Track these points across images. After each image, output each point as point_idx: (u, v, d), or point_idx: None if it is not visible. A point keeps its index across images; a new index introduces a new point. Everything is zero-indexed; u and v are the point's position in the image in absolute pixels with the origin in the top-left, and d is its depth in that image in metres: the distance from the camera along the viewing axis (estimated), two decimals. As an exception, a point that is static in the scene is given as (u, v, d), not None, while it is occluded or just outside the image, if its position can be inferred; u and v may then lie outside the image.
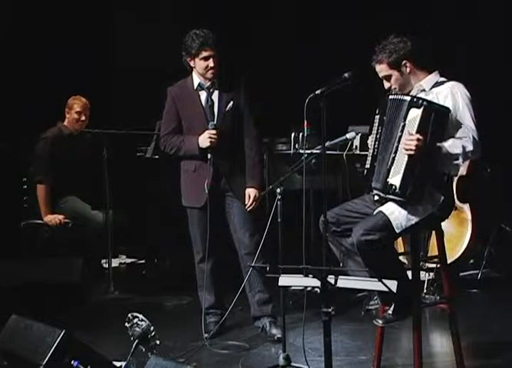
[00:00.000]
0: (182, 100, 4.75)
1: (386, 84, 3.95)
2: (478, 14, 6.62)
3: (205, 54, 4.62)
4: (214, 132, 4.61)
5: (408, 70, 3.90)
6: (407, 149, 3.67)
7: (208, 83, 4.71)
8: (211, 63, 4.62)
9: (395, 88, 3.93)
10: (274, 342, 4.61)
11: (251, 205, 4.67)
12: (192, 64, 4.68)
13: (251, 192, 4.67)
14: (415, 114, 3.70)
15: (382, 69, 3.92)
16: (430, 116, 3.68)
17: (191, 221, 4.83)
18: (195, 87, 4.73)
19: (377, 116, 3.91)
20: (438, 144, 3.72)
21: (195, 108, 4.72)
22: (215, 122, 4.66)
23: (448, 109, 3.75)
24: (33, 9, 7.04)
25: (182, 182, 4.84)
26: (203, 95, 4.73)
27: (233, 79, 4.75)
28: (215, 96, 4.72)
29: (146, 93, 7.24)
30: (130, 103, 7.27)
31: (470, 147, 3.74)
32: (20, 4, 7.01)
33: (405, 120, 3.74)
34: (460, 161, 3.77)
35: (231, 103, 4.67)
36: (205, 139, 4.61)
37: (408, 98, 3.78)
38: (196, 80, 4.73)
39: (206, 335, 4.69)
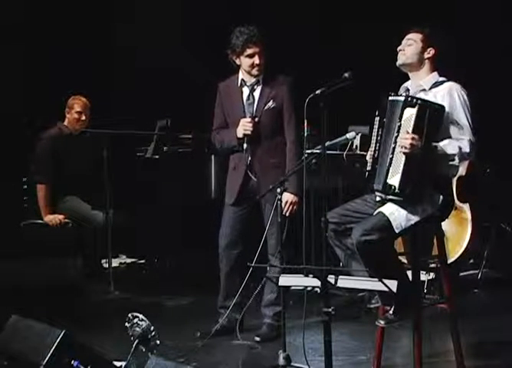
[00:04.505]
0: (227, 95, 4.78)
1: (400, 47, 3.98)
2: (477, 14, 6.62)
3: (249, 51, 4.63)
4: (248, 120, 4.63)
5: (427, 55, 3.94)
6: (402, 147, 3.69)
7: (252, 80, 4.72)
8: (256, 60, 4.63)
9: (403, 52, 3.93)
10: (273, 342, 4.61)
11: (287, 210, 4.62)
12: (238, 61, 4.70)
13: (284, 197, 4.55)
14: (410, 113, 3.73)
15: (414, 36, 3.95)
16: (425, 115, 3.71)
17: (222, 218, 4.85)
18: (240, 84, 4.75)
19: (377, 118, 3.91)
20: (435, 144, 3.74)
21: (237, 104, 4.74)
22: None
23: (442, 106, 3.78)
24: (33, 9, 7.05)
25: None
26: (246, 92, 4.75)
27: (277, 78, 4.74)
28: (257, 93, 4.73)
29: (146, 93, 7.26)
30: (130, 103, 7.26)
31: (466, 149, 3.77)
32: (20, 5, 7.01)
33: (400, 120, 3.76)
34: (456, 162, 3.79)
35: (271, 102, 4.68)
36: (239, 128, 4.64)
37: (402, 98, 3.80)
38: (240, 76, 4.75)
39: (198, 334, 4.70)
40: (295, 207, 4.66)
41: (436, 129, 3.75)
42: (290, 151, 4.68)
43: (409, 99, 3.76)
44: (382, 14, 6.93)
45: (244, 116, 4.70)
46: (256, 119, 4.67)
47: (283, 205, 4.54)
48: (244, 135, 4.65)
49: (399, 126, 3.76)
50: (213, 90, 4.90)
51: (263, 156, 4.70)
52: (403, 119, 3.75)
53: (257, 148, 4.70)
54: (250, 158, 4.71)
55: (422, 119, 3.70)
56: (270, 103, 4.69)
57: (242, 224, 4.81)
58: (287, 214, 4.62)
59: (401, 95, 3.92)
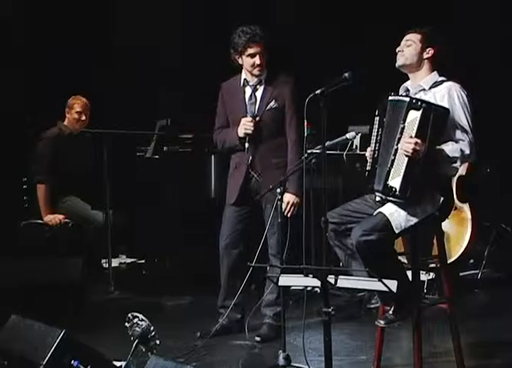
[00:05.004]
0: (229, 95, 4.79)
1: (399, 48, 3.98)
2: (476, 14, 6.62)
3: (250, 51, 4.63)
4: (249, 120, 4.62)
5: (426, 55, 3.93)
6: (406, 151, 3.68)
7: (255, 80, 4.71)
8: (257, 60, 4.63)
9: (403, 53, 3.93)
10: (273, 342, 4.61)
11: (288, 211, 4.61)
12: (240, 61, 4.70)
13: (285, 198, 4.57)
14: (414, 116, 3.71)
15: (413, 37, 3.95)
16: (429, 118, 3.68)
17: (223, 217, 4.85)
18: (242, 83, 4.75)
19: (377, 118, 3.91)
20: (438, 147, 3.73)
21: (238, 104, 4.75)
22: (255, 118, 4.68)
23: (447, 109, 3.76)
24: (33, 9, 7.05)
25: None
26: (248, 91, 4.75)
27: (280, 78, 4.72)
28: (259, 93, 4.73)
29: (146, 93, 7.26)
30: (130, 103, 7.27)
31: (467, 151, 3.78)
32: (21, 4, 7.02)
33: (404, 122, 3.74)
34: (458, 164, 3.81)
35: (273, 102, 4.68)
36: (240, 128, 4.64)
37: (407, 99, 3.78)
38: (243, 76, 4.75)
39: (198, 334, 4.70)
40: (296, 208, 4.65)
41: (440, 133, 3.73)
42: (291, 151, 4.68)
43: (414, 101, 3.73)
44: (381, 15, 6.93)
45: (246, 116, 4.70)
46: (257, 119, 4.67)
47: (283, 205, 4.55)
48: (245, 134, 4.65)
49: (402, 128, 3.75)
50: (214, 90, 4.91)
51: (264, 155, 4.70)
52: (407, 121, 3.73)
53: (259, 148, 4.70)
54: (251, 157, 4.71)
55: (426, 122, 3.68)
56: (272, 103, 4.68)
57: (243, 223, 4.81)
58: (288, 214, 4.62)
59: (402, 95, 3.92)
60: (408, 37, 3.98)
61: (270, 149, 4.70)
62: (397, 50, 3.99)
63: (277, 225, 4.24)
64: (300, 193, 4.61)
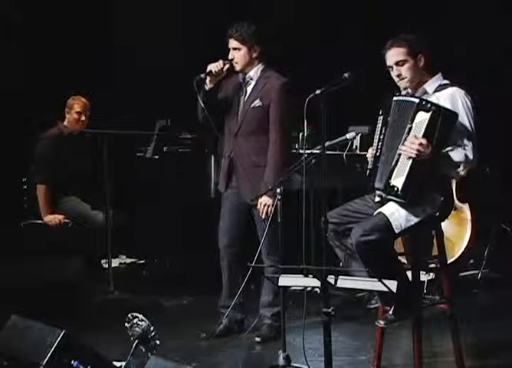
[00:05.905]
0: (230, 83, 4.78)
1: (394, 72, 3.90)
2: (477, 13, 6.63)
3: (229, 45, 4.65)
4: (221, 61, 4.61)
5: (421, 63, 3.89)
6: (410, 153, 3.67)
7: (247, 75, 4.71)
8: (230, 54, 4.64)
9: (404, 78, 3.88)
10: (273, 342, 4.61)
11: (262, 212, 4.60)
12: None
13: (260, 199, 4.58)
14: (423, 118, 3.69)
15: (399, 53, 3.86)
16: (437, 121, 3.67)
17: (221, 213, 4.85)
18: (241, 76, 4.75)
19: (380, 117, 3.90)
20: (443, 151, 3.73)
21: (232, 94, 4.74)
22: (239, 114, 4.69)
23: (455, 113, 3.75)
24: (33, 8, 7.05)
25: None
26: (242, 85, 4.75)
27: (272, 78, 4.69)
28: (249, 89, 4.72)
29: (146, 93, 7.25)
30: (130, 103, 7.26)
31: (471, 156, 3.78)
32: (21, 4, 7.02)
33: (412, 123, 3.73)
34: (461, 169, 3.80)
35: (257, 101, 4.67)
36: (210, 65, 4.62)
37: (416, 100, 3.76)
38: None
39: (203, 335, 4.70)
40: (269, 209, 4.57)
41: (446, 136, 3.73)
42: (270, 150, 4.64)
43: (423, 102, 3.72)
44: (381, 14, 6.92)
45: (236, 108, 4.70)
46: (226, 66, 4.63)
47: (258, 207, 4.58)
48: (209, 71, 4.60)
49: (410, 128, 3.73)
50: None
51: (244, 153, 4.69)
52: (415, 122, 3.72)
53: (241, 144, 4.69)
54: (233, 153, 4.71)
55: (434, 125, 3.67)
56: (257, 102, 4.67)
57: (241, 220, 4.79)
58: (263, 216, 4.60)
59: (410, 95, 3.90)
60: (394, 56, 3.88)
61: (251, 147, 4.68)
62: (394, 76, 3.92)
63: (278, 225, 4.23)
64: (274, 195, 4.57)
